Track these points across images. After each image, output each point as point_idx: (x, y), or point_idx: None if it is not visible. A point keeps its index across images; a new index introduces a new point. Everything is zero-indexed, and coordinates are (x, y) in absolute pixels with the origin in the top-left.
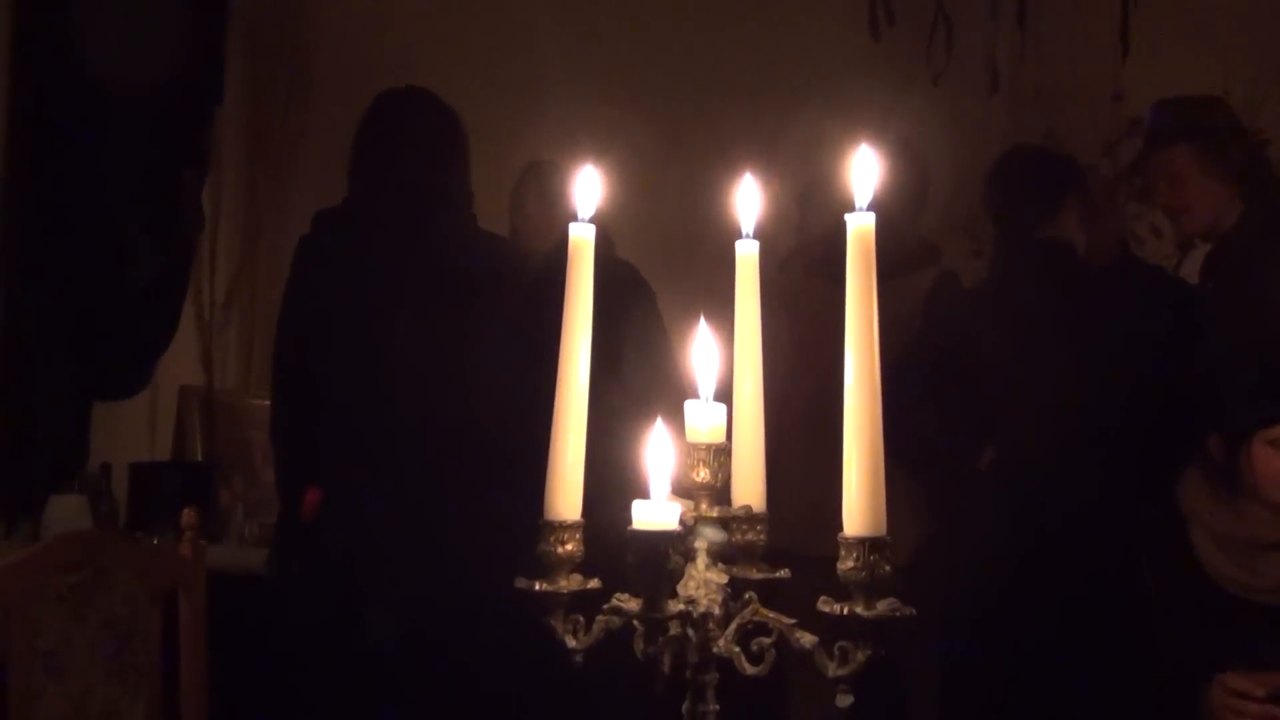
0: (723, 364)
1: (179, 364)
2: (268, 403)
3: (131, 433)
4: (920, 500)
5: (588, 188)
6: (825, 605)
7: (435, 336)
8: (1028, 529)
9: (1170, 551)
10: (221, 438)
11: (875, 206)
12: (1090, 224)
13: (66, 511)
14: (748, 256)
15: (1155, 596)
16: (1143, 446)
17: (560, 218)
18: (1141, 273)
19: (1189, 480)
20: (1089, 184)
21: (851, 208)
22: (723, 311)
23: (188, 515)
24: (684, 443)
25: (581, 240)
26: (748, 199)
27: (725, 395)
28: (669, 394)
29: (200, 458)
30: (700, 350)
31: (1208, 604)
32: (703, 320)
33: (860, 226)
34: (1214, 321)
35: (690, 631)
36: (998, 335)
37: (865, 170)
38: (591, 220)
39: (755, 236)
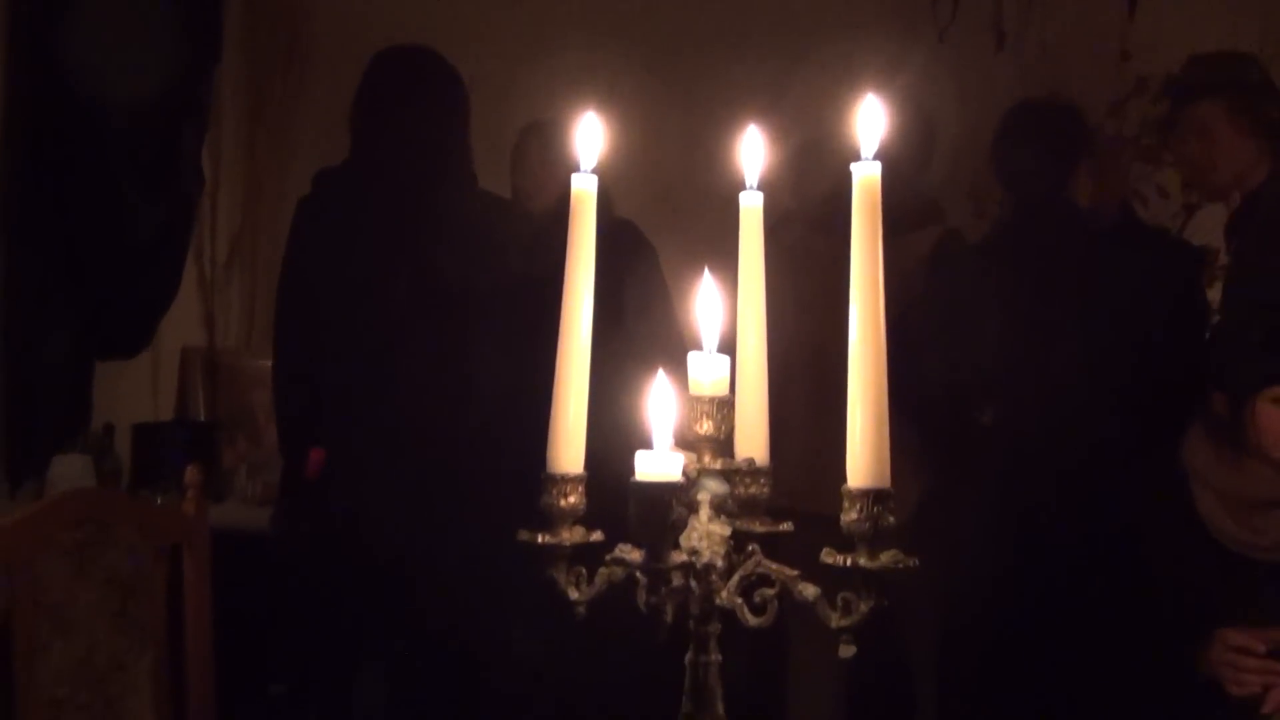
0: (726, 317)
1: (181, 324)
2: (270, 363)
3: (134, 393)
4: (921, 458)
5: (589, 137)
6: (829, 557)
7: (436, 296)
8: (1029, 485)
9: (1172, 509)
10: (224, 398)
11: (880, 161)
12: (1095, 183)
13: (70, 471)
14: (752, 208)
15: (1156, 553)
16: (1146, 404)
17: (562, 177)
18: (1144, 234)
19: (1192, 438)
20: (1097, 142)
21: (855, 161)
22: (726, 265)
23: (191, 472)
24: (686, 395)
25: (583, 191)
26: (752, 151)
27: (729, 349)
28: (670, 351)
29: (203, 417)
30: (704, 302)
31: (1208, 561)
32: (706, 271)
33: (866, 176)
34: (1229, 280)
35: (693, 583)
36: (1002, 294)
37: (871, 120)
38: (594, 171)
39: (759, 189)
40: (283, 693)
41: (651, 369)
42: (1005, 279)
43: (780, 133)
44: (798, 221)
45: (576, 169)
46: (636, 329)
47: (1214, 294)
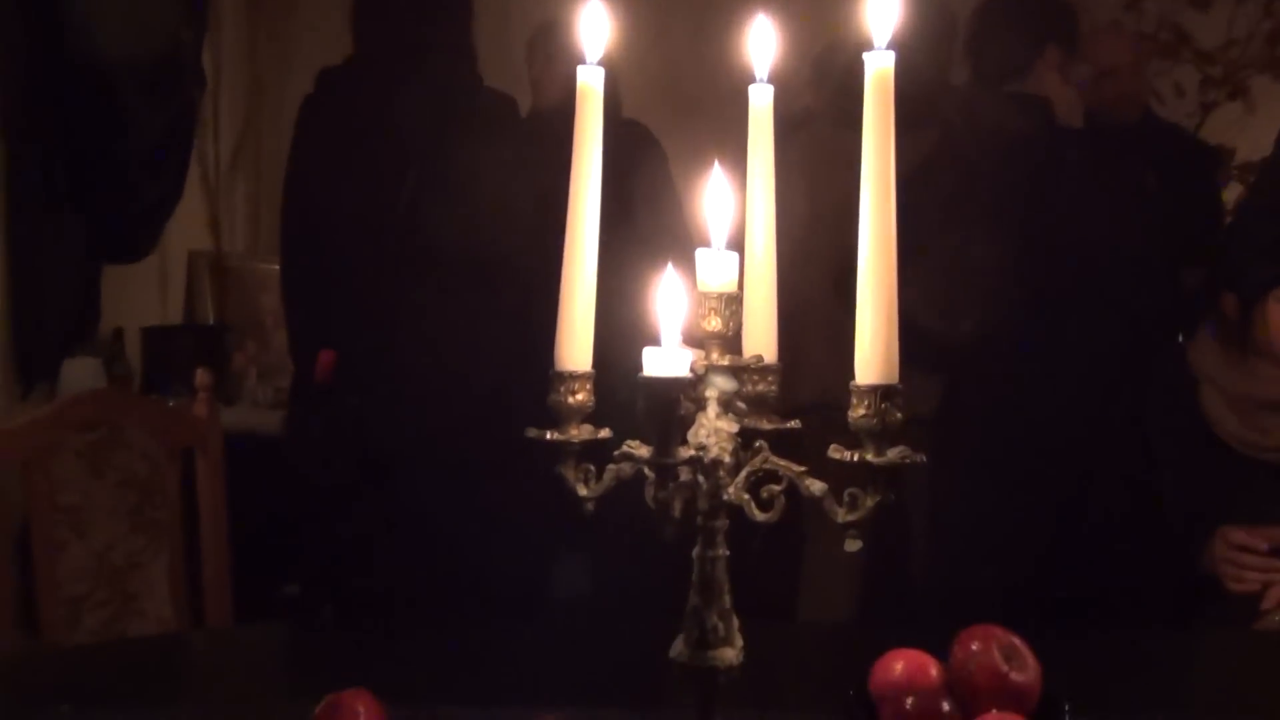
0: (736, 213)
1: (187, 228)
2: (277, 267)
3: (142, 298)
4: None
5: (595, 27)
6: (836, 452)
7: (443, 192)
8: (1032, 389)
9: (1180, 410)
10: (232, 302)
11: (900, 51)
12: (1104, 79)
13: (81, 374)
14: (761, 102)
15: (1162, 453)
16: (1156, 305)
17: (574, 74)
18: (1162, 132)
19: (1201, 339)
20: (1075, 31)
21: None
22: (739, 163)
23: (201, 375)
24: (695, 292)
25: (589, 84)
26: (762, 42)
27: (739, 247)
28: (678, 249)
29: (211, 322)
30: (713, 195)
31: (1214, 461)
32: (716, 165)
33: (880, 68)
34: (1259, 176)
35: (700, 478)
36: (971, 194)
37: (885, 7)
38: (600, 63)
39: (770, 82)
40: (296, 593)
41: (659, 265)
42: (970, 177)
43: (792, 23)
44: (824, 119)
45: (582, 61)
46: (645, 226)
47: (1228, 195)
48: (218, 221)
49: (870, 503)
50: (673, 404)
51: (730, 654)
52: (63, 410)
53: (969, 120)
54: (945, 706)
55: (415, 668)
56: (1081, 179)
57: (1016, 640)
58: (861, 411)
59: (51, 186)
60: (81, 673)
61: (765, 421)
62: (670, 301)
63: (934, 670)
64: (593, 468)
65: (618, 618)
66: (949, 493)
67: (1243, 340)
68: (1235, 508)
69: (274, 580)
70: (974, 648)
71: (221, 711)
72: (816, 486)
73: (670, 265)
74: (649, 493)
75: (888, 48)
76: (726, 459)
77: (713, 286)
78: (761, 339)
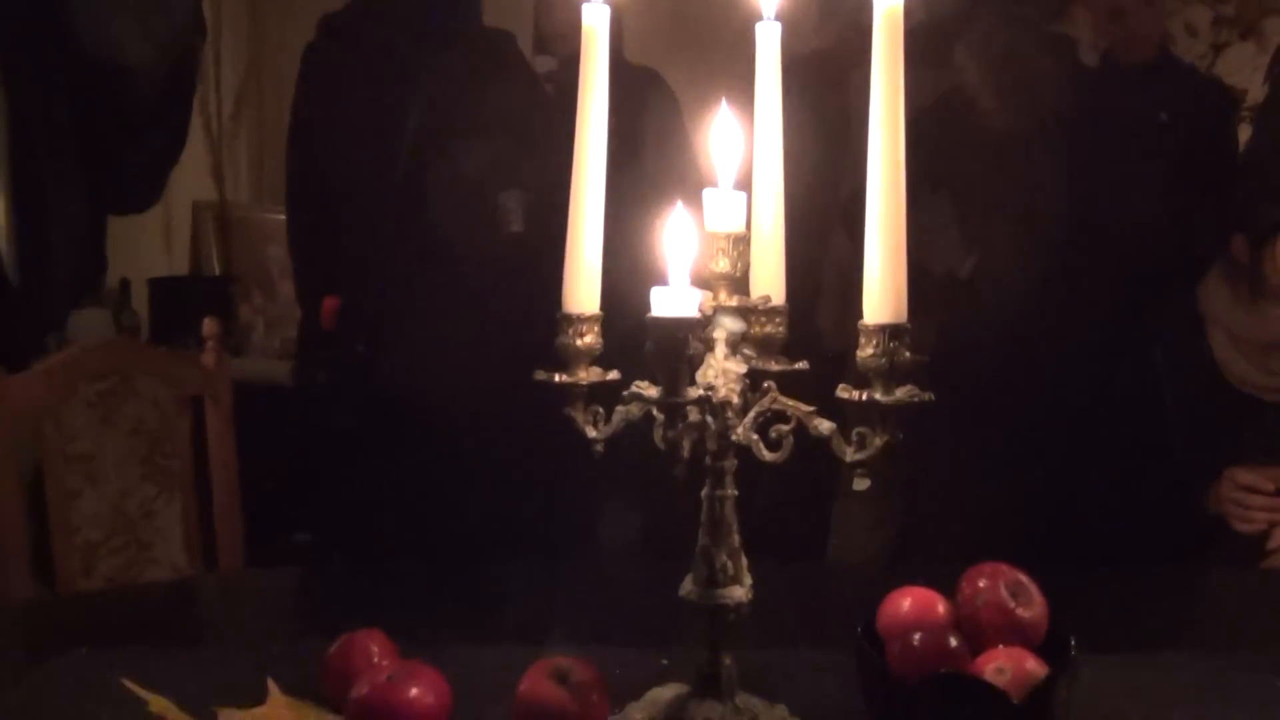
0: (745, 154)
1: (190, 179)
2: (281, 217)
3: (148, 249)
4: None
5: None
6: (844, 392)
7: (447, 136)
8: (1042, 330)
9: (1187, 351)
10: (237, 253)
11: None
12: (1113, 19)
13: (89, 325)
14: (769, 40)
15: (1171, 395)
16: (1164, 246)
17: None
18: (1176, 72)
19: (1210, 282)
20: None
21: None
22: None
23: (209, 324)
24: (703, 233)
25: (594, 25)
26: None
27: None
28: (686, 195)
29: (218, 272)
30: (720, 134)
31: (1222, 403)
32: (724, 103)
33: (889, 7)
34: (1262, 117)
35: (709, 418)
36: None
37: None
38: (606, 2)
39: (777, 20)
40: (307, 541)
41: (668, 205)
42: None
43: None
44: (862, 65)
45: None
46: (654, 167)
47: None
48: (221, 171)
49: (878, 442)
50: (681, 344)
51: (739, 592)
52: (72, 360)
53: (989, 59)
54: (952, 642)
55: (427, 608)
56: (1097, 118)
57: (1023, 577)
58: (870, 351)
59: (55, 138)
60: (96, 618)
61: (773, 363)
62: (678, 241)
63: (941, 607)
64: (601, 409)
65: (627, 557)
66: (951, 434)
67: (1252, 282)
68: (1242, 449)
69: (285, 528)
70: (981, 584)
71: (237, 652)
72: (825, 426)
73: (680, 204)
74: (658, 433)
75: None
76: (734, 399)
77: (720, 227)
78: (769, 279)
